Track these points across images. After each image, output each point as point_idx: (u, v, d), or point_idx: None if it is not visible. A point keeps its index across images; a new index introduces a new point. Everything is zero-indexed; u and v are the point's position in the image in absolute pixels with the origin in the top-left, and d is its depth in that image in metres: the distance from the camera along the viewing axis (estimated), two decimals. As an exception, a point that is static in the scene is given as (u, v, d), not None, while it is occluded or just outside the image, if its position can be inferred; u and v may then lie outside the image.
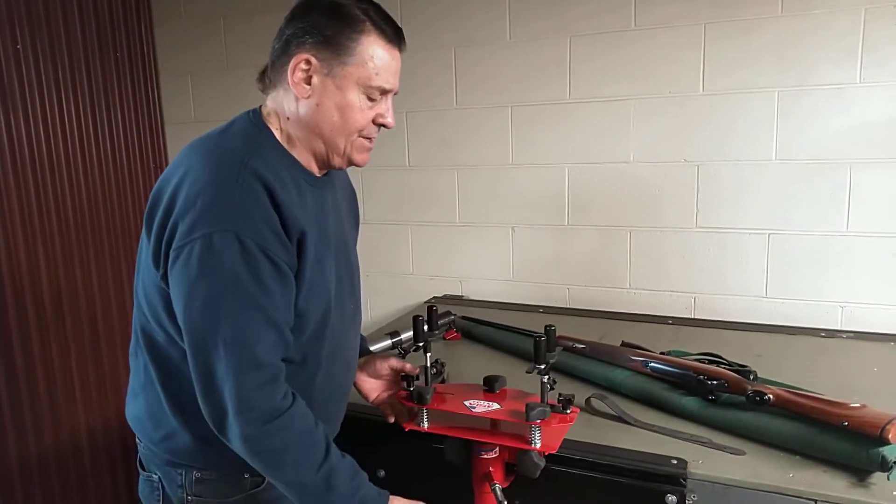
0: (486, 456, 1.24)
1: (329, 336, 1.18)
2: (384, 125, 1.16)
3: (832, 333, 1.91)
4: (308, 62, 1.08)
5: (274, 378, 1.03)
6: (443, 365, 1.37)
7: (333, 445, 1.10)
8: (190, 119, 2.91)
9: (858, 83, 1.91)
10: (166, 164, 2.98)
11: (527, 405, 1.16)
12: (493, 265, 2.46)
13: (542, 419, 1.16)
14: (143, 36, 2.84)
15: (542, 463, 1.22)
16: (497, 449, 1.24)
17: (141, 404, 1.20)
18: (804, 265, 2.04)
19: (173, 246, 1.01)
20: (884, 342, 1.82)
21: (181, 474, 1.17)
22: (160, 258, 1.04)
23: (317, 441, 1.07)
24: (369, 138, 1.16)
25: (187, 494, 1.17)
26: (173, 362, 1.12)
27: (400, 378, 1.33)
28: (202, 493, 1.17)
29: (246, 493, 1.18)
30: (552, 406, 1.18)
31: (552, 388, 1.19)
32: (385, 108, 1.15)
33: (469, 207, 2.48)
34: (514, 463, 1.24)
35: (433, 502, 1.42)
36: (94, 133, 2.64)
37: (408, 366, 1.33)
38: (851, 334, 1.90)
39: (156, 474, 1.21)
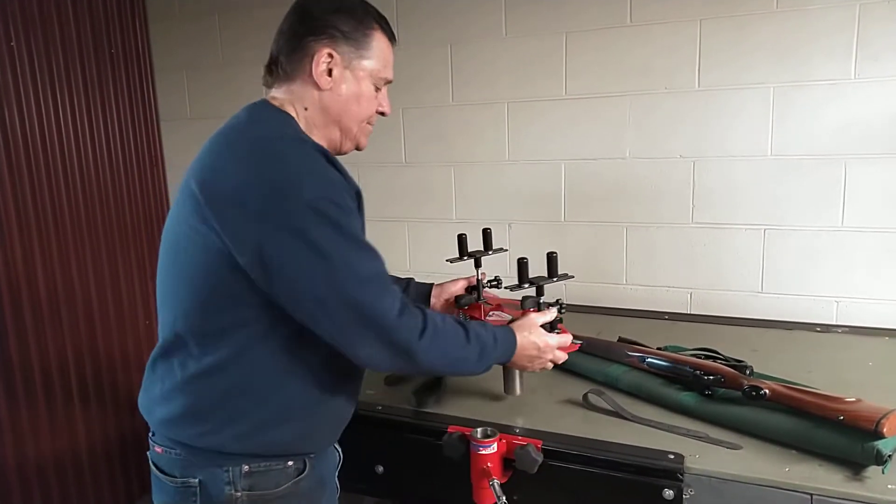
0: (483, 451, 1.25)
1: None
2: (383, 113, 1.31)
3: (827, 328, 1.92)
4: (330, 55, 1.18)
5: (404, 298, 1.13)
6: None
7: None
8: (185, 116, 2.90)
9: (853, 79, 1.92)
10: (162, 160, 2.98)
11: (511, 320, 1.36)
12: (489, 262, 2.46)
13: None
14: (137, 32, 2.83)
15: (540, 458, 1.23)
16: (495, 444, 1.25)
17: (178, 404, 1.16)
18: (799, 260, 2.05)
19: (272, 229, 1.04)
20: (879, 336, 1.83)
21: (227, 471, 1.15)
22: (245, 245, 1.05)
23: (451, 322, 1.20)
24: (371, 124, 1.30)
25: (236, 490, 1.15)
26: (234, 349, 1.12)
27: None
28: (253, 486, 1.16)
29: (291, 480, 1.19)
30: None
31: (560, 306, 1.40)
32: (384, 97, 1.29)
33: (465, 204, 2.48)
34: (513, 458, 1.25)
35: (432, 499, 1.43)
36: (90, 130, 2.63)
37: (473, 279, 1.60)
38: (847, 329, 1.91)
39: (194, 478, 1.17)
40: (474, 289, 1.61)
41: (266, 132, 1.13)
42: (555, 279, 1.40)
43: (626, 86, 2.17)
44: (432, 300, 1.57)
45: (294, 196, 1.04)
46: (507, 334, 1.28)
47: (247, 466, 1.16)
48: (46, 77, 2.45)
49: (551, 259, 1.40)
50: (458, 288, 1.60)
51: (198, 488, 1.17)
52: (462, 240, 1.65)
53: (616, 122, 2.20)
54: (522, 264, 1.39)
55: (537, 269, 1.44)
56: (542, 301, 1.40)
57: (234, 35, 2.74)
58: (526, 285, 1.39)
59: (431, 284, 1.60)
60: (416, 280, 1.60)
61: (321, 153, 1.11)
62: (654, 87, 2.13)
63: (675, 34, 2.08)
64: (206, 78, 2.82)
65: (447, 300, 1.58)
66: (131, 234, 2.79)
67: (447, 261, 1.68)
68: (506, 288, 1.45)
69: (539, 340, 1.32)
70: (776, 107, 2.00)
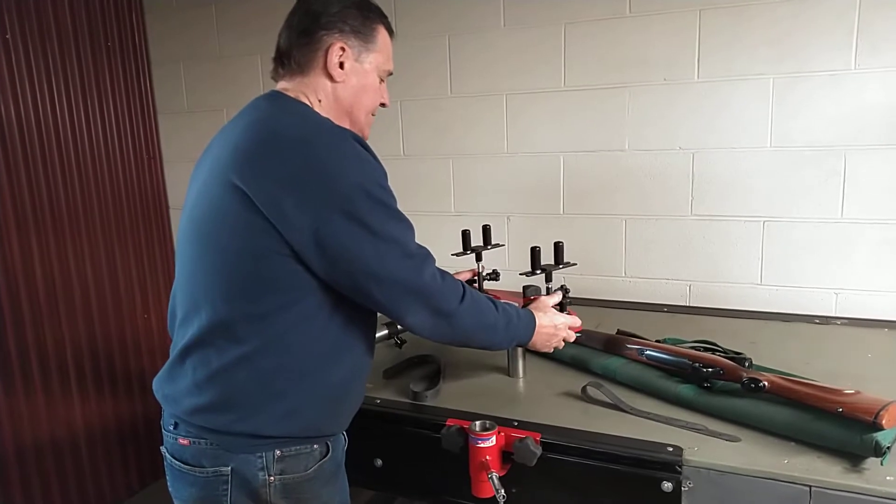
0: (482, 444, 1.24)
1: None
2: (384, 104, 1.37)
3: (827, 320, 1.92)
4: (343, 49, 1.24)
5: (443, 269, 1.24)
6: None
7: None
8: (183, 108, 2.89)
9: (853, 69, 1.91)
10: (159, 152, 2.96)
11: (523, 304, 1.45)
12: (488, 255, 2.46)
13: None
14: (133, 24, 2.82)
15: (539, 451, 1.23)
16: (493, 438, 1.25)
17: (214, 392, 1.17)
18: (799, 252, 2.04)
19: (328, 213, 1.09)
20: (878, 328, 1.83)
21: (261, 457, 1.17)
22: (301, 230, 1.10)
23: (481, 294, 1.31)
24: (374, 115, 1.36)
25: (270, 475, 1.18)
26: (275, 333, 1.15)
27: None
28: (284, 469, 1.19)
29: (317, 463, 1.22)
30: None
31: (563, 291, 1.50)
32: (384, 88, 1.36)
33: (463, 196, 2.48)
34: (511, 451, 1.25)
35: (430, 492, 1.43)
36: (87, 123, 2.62)
37: (474, 271, 1.73)
38: (846, 321, 1.91)
39: (226, 466, 1.18)
40: (473, 281, 1.71)
41: (303, 122, 1.17)
42: (561, 266, 1.52)
43: (625, 77, 2.16)
44: None
45: (345, 180, 1.10)
46: (527, 313, 1.39)
47: (279, 451, 1.19)
48: (42, 70, 2.44)
49: (557, 248, 1.51)
50: (464, 280, 1.68)
51: (229, 476, 1.18)
52: (466, 235, 1.76)
53: (615, 113, 2.19)
54: (535, 253, 1.50)
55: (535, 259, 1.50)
56: (549, 286, 1.51)
57: (230, 26, 2.72)
58: (538, 271, 1.51)
59: None
60: None
61: (357, 140, 1.16)
62: (654, 79, 2.12)
63: (675, 25, 2.06)
64: (202, 69, 2.81)
65: None
66: (129, 227, 2.78)
67: (452, 255, 1.76)
68: (521, 274, 1.52)
69: (555, 320, 1.43)
70: (776, 98, 1.99)
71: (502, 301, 1.36)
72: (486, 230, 1.78)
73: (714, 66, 2.04)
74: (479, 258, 1.75)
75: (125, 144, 2.79)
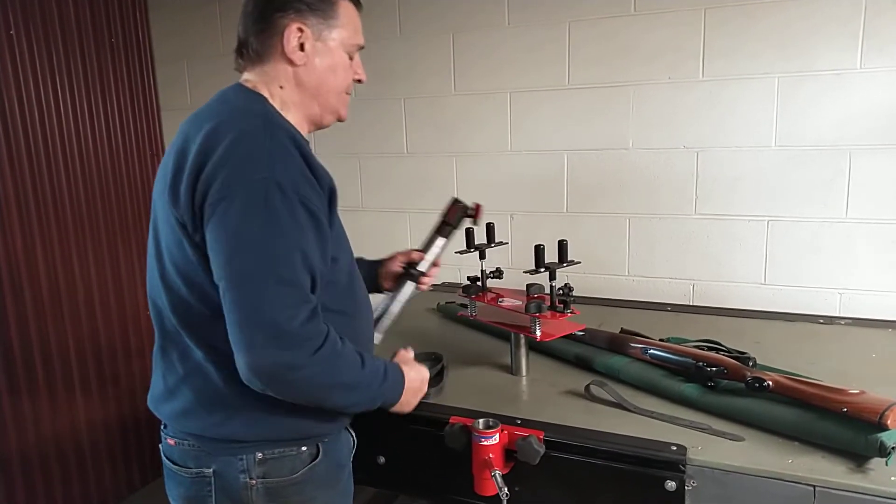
0: (485, 442, 1.24)
1: (358, 288, 1.27)
2: (360, 80, 1.28)
3: (830, 320, 1.91)
4: (300, 30, 1.15)
5: (317, 310, 1.05)
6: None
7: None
8: (186, 105, 2.89)
9: (859, 69, 1.90)
10: (162, 149, 2.96)
11: (527, 302, 1.45)
12: (492, 253, 2.45)
13: (538, 313, 1.45)
14: (137, 21, 2.82)
15: (542, 449, 1.23)
16: (496, 436, 1.25)
17: (186, 396, 1.16)
18: (803, 252, 2.04)
19: (209, 201, 1.02)
20: (882, 328, 1.83)
21: (242, 459, 1.14)
22: (196, 220, 1.04)
23: (345, 348, 1.10)
24: (349, 94, 1.27)
25: (251, 478, 1.14)
26: (217, 339, 1.08)
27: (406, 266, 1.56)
28: (267, 473, 1.15)
29: (306, 466, 1.18)
30: (552, 305, 1.47)
31: (564, 292, 1.48)
32: (358, 64, 1.26)
33: (467, 194, 2.45)
34: (514, 449, 1.24)
35: (433, 490, 1.43)
36: (90, 120, 2.62)
37: (414, 254, 1.58)
38: (850, 321, 1.90)
39: (209, 468, 1.16)
40: (412, 265, 1.61)
41: (239, 109, 1.13)
42: (565, 264, 1.48)
43: (630, 75, 2.15)
44: (382, 281, 1.57)
45: (241, 172, 1.01)
46: (395, 369, 1.22)
47: (260, 454, 1.15)
48: (46, 66, 2.44)
49: (561, 246, 1.49)
50: (397, 265, 1.58)
51: (212, 478, 1.16)
52: (469, 233, 1.75)
53: (619, 112, 2.18)
54: (539, 251, 1.48)
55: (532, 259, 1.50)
56: (553, 285, 1.48)
57: (233, 24, 2.71)
58: (542, 270, 1.49)
59: (379, 263, 1.59)
60: (365, 258, 1.57)
61: (291, 139, 1.08)
62: (658, 77, 2.12)
63: (680, 23, 2.06)
64: (206, 67, 2.81)
65: (393, 277, 1.57)
66: (131, 223, 2.78)
67: (456, 253, 1.74)
68: (524, 272, 1.50)
69: (422, 373, 1.30)
70: (781, 97, 1.99)
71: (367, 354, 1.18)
72: (489, 228, 1.79)
73: (719, 64, 2.04)
74: (482, 256, 1.75)
75: (128, 141, 2.79)
